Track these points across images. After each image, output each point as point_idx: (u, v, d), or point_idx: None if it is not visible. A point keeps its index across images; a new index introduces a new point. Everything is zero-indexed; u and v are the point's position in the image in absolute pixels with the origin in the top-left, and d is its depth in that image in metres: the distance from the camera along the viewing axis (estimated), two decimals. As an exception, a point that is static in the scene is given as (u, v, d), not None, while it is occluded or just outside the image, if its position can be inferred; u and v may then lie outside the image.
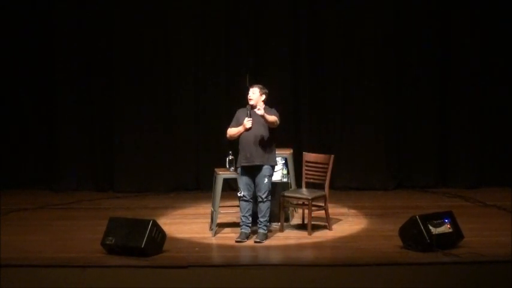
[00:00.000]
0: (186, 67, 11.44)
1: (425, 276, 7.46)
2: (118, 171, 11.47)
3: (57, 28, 11.41)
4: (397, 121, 11.46)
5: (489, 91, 11.34)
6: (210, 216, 9.23)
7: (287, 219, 9.31)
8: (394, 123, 11.44)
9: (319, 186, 9.12)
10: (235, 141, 8.74)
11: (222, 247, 8.54)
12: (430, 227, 8.01)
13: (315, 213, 8.98)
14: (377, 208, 10.23)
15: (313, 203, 8.88)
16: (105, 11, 11.37)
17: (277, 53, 11.38)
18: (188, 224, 9.48)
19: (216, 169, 9.14)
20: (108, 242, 8.10)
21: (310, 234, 8.83)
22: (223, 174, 8.97)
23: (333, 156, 9.07)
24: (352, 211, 10.05)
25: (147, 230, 7.95)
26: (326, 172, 9.04)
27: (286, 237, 8.83)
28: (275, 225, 9.05)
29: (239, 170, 8.68)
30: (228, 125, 8.79)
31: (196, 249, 8.35)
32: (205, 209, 9.87)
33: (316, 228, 9.03)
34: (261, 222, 8.64)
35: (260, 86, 8.70)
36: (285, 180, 9.41)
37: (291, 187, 9.42)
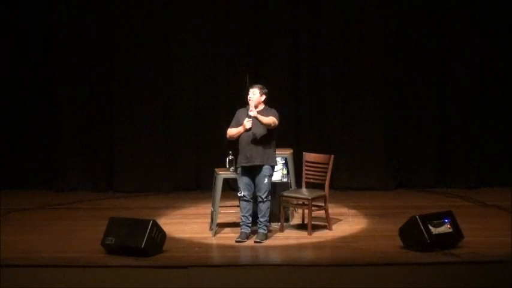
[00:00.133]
0: (186, 67, 11.43)
1: (425, 276, 7.46)
2: (118, 171, 11.47)
3: (57, 28, 11.41)
4: (397, 121, 11.45)
5: (489, 91, 11.33)
6: (210, 216, 9.23)
7: (287, 219, 9.31)
8: (394, 123, 11.44)
9: (319, 186, 9.12)
10: (235, 142, 8.74)
11: (222, 247, 8.54)
12: (430, 227, 8.01)
13: (315, 213, 8.99)
14: (377, 208, 10.23)
15: (313, 203, 8.88)
16: (105, 11, 11.37)
17: (277, 53, 11.39)
18: (188, 224, 9.48)
19: (216, 169, 9.14)
20: (108, 242, 8.10)
21: (310, 234, 8.83)
22: (223, 174, 8.97)
23: (333, 156, 9.08)
24: (352, 211, 10.04)
25: (147, 230, 7.95)
26: (326, 172, 9.04)
27: (286, 237, 8.83)
28: (275, 225, 9.05)
29: (239, 170, 8.68)
30: (228, 125, 8.79)
31: (196, 249, 8.35)
32: (205, 209, 9.87)
33: (316, 228, 9.03)
34: (261, 222, 8.64)
35: (260, 86, 8.69)
36: (285, 180, 9.41)
37: (291, 187, 9.42)
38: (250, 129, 8.56)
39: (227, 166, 8.91)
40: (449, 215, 8.27)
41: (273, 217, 8.93)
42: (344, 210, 10.08)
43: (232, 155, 8.85)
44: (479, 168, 11.39)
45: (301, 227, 9.19)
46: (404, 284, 7.38)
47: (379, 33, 11.32)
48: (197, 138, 11.54)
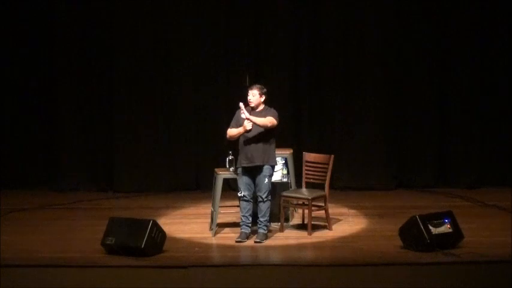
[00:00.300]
0: (186, 67, 11.43)
1: (425, 276, 7.46)
2: (118, 171, 11.47)
3: (57, 28, 11.41)
4: (397, 121, 11.45)
5: (489, 91, 11.33)
6: (210, 216, 9.23)
7: (287, 219, 9.31)
8: (394, 123, 11.44)
9: (319, 186, 9.12)
10: (235, 142, 8.74)
11: (222, 247, 8.54)
12: (430, 227, 8.01)
13: (315, 213, 8.99)
14: (377, 208, 10.22)
15: (313, 203, 8.88)
16: (105, 11, 11.37)
17: (277, 53, 11.39)
18: (188, 224, 9.48)
19: (216, 169, 9.14)
20: (108, 242, 8.10)
21: (310, 234, 8.83)
22: (223, 174, 8.97)
23: (333, 156, 9.07)
24: (352, 211, 10.04)
25: (147, 230, 7.95)
26: (326, 172, 9.04)
27: (286, 237, 8.83)
28: (275, 225, 9.05)
29: (239, 170, 8.68)
30: (228, 125, 8.79)
31: (196, 249, 8.35)
32: (205, 209, 9.87)
33: (316, 228, 9.03)
34: (261, 222, 8.64)
35: (259, 86, 8.69)
36: (285, 180, 9.42)
37: (291, 187, 9.42)
38: (250, 130, 8.56)
39: (227, 166, 8.91)
40: (449, 215, 8.27)
41: (273, 217, 8.93)
42: (344, 210, 10.08)
43: (232, 155, 8.85)
44: (479, 168, 11.39)
45: (301, 227, 9.19)
46: (404, 284, 7.38)
47: (379, 33, 11.31)
48: (197, 138, 11.53)
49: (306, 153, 9.39)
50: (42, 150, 11.67)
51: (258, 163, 8.55)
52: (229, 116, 8.90)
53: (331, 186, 9.39)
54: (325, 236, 8.87)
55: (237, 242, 8.57)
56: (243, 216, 8.67)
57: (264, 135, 8.55)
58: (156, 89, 11.46)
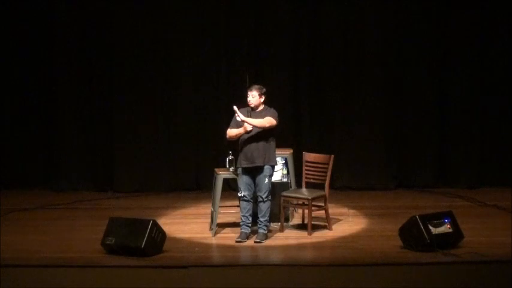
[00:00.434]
0: (185, 67, 11.43)
1: (425, 276, 7.46)
2: (118, 171, 11.47)
3: (57, 28, 11.41)
4: (397, 121, 11.45)
5: (489, 91, 11.33)
6: (210, 216, 9.22)
7: (287, 219, 9.31)
8: (394, 123, 11.44)
9: (319, 186, 9.12)
10: (235, 142, 8.73)
11: (222, 247, 8.54)
12: (430, 227, 8.01)
13: (315, 213, 8.98)
14: (377, 208, 10.23)
15: (313, 203, 8.88)
16: (105, 11, 11.37)
17: (277, 53, 11.39)
18: (188, 224, 9.48)
19: (216, 169, 9.14)
20: (108, 242, 8.10)
21: (310, 234, 8.83)
22: (223, 174, 8.97)
23: (333, 156, 9.07)
24: (352, 211, 10.04)
25: (147, 230, 7.95)
26: (326, 172, 9.04)
27: (286, 237, 8.83)
28: (275, 225, 9.05)
29: (239, 170, 8.68)
30: (227, 125, 8.78)
31: (196, 249, 8.35)
32: (205, 209, 9.87)
33: (316, 228, 9.03)
34: (261, 222, 8.64)
35: (258, 86, 8.68)
36: (285, 180, 9.42)
37: (291, 187, 9.42)
38: (251, 130, 8.56)
39: (227, 166, 8.91)
40: (449, 215, 8.27)
41: (273, 217, 8.93)
42: (344, 210, 10.08)
43: (232, 155, 8.85)
44: (479, 168, 11.39)
45: (301, 227, 9.19)
46: (404, 284, 7.37)
47: (379, 33, 11.32)
48: (197, 138, 11.53)
49: (306, 153, 9.39)
50: (42, 150, 11.67)
51: (258, 163, 8.55)
52: (229, 116, 8.90)
53: (331, 186, 9.40)
54: (325, 236, 8.87)
55: (237, 242, 8.57)
56: (243, 216, 8.67)
57: (264, 135, 8.55)
58: (156, 89, 11.46)
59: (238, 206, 8.96)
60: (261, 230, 8.64)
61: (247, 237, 8.64)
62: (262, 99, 8.65)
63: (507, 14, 11.17)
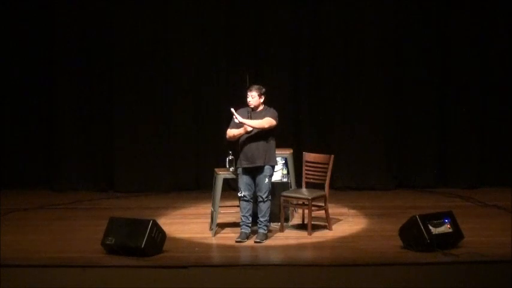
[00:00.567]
0: (185, 67, 11.44)
1: (425, 276, 7.46)
2: (118, 171, 11.47)
3: (57, 28, 11.41)
4: (397, 121, 11.45)
5: (489, 91, 11.33)
6: (210, 216, 9.22)
7: (287, 219, 9.31)
8: (394, 123, 11.44)
9: (319, 186, 9.12)
10: (235, 142, 8.73)
11: (222, 247, 8.54)
12: (430, 227, 8.01)
13: (315, 213, 8.98)
14: (377, 208, 10.22)
15: (313, 203, 8.88)
16: (105, 11, 11.37)
17: (277, 53, 11.39)
18: (188, 224, 9.48)
19: (216, 169, 9.14)
20: (108, 242, 8.10)
21: (310, 234, 8.83)
22: (223, 174, 8.97)
23: (333, 156, 9.07)
24: (352, 211, 10.04)
25: (147, 230, 7.95)
26: (326, 172, 9.04)
27: (286, 237, 8.83)
28: (275, 225, 9.05)
29: (239, 170, 8.68)
30: (227, 125, 8.78)
31: (196, 249, 8.35)
32: (205, 209, 9.87)
33: (316, 228, 9.03)
34: (261, 222, 8.64)
35: (257, 86, 8.67)
36: (285, 180, 9.42)
37: (291, 187, 9.41)
38: (251, 130, 8.55)
39: (227, 166, 8.91)
40: (449, 215, 8.27)
41: (273, 217, 8.93)
42: (344, 210, 10.08)
43: (232, 155, 8.85)
44: (479, 168, 11.39)
45: (301, 227, 9.19)
46: (404, 284, 7.37)
47: (379, 33, 11.32)
48: (197, 138, 11.53)
49: (306, 153, 9.38)
50: (42, 150, 11.67)
51: (258, 164, 8.55)
52: (229, 116, 8.88)
53: (331, 186, 9.39)
54: (325, 236, 8.87)
55: (237, 242, 8.57)
56: (243, 216, 8.67)
57: (264, 136, 8.55)
58: (156, 89, 11.46)
59: (238, 206, 8.96)
60: (261, 230, 8.64)
61: (247, 237, 8.64)
62: (261, 100, 8.65)
63: (507, 14, 11.17)
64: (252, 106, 8.61)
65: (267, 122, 8.52)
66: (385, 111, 11.40)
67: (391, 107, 11.42)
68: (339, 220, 9.50)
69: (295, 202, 9.15)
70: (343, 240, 8.70)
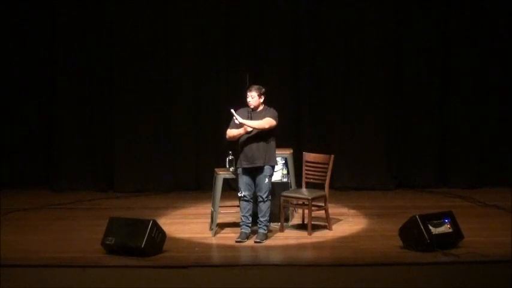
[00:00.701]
0: (185, 67, 11.44)
1: (425, 276, 7.46)
2: (118, 171, 11.47)
3: (57, 28, 11.41)
4: (397, 121, 11.45)
5: (489, 91, 11.33)
6: (210, 216, 9.22)
7: (287, 219, 9.31)
8: (394, 123, 11.44)
9: (319, 186, 9.12)
10: (234, 142, 8.73)
11: (222, 247, 8.54)
12: (430, 227, 8.01)
13: (315, 213, 8.98)
14: (377, 208, 10.22)
15: (313, 203, 8.88)
16: (105, 11, 11.37)
17: (277, 53, 11.38)
18: (188, 224, 9.48)
19: (216, 169, 9.14)
20: (108, 242, 8.10)
21: (310, 234, 8.83)
22: (223, 174, 8.97)
23: (333, 156, 9.07)
24: (352, 211, 10.04)
25: (147, 230, 7.95)
26: (326, 172, 9.04)
27: (286, 237, 8.83)
28: (275, 225, 9.05)
29: (239, 170, 8.68)
30: (227, 125, 8.78)
31: (196, 249, 8.35)
32: (205, 209, 9.87)
33: (316, 228, 9.03)
34: (261, 222, 8.64)
35: (257, 87, 8.66)
36: (285, 180, 9.42)
37: (291, 187, 9.41)
38: (251, 131, 8.55)
39: (227, 166, 8.91)
40: (449, 215, 8.27)
41: (273, 217, 8.93)
42: (344, 210, 10.08)
43: (232, 155, 8.85)
44: (479, 168, 11.39)
45: (301, 227, 9.19)
46: (404, 284, 7.37)
47: (379, 33, 11.31)
48: (197, 138, 11.53)
49: (306, 153, 9.38)
50: (42, 150, 11.67)
51: (258, 164, 8.55)
52: (229, 116, 8.88)
53: (331, 186, 9.40)
54: (325, 236, 8.87)
55: (237, 242, 8.57)
56: (243, 216, 8.67)
57: (264, 136, 8.55)
58: (156, 89, 11.46)
59: (238, 206, 8.96)
60: (261, 230, 8.64)
61: (247, 237, 8.64)
62: (261, 100, 8.65)
63: (507, 14, 11.17)
64: (252, 106, 8.61)
65: (267, 122, 8.52)
66: (385, 111, 11.40)
67: (391, 107, 11.42)
68: (339, 220, 9.50)
69: (295, 202, 9.15)
70: (343, 240, 8.70)
